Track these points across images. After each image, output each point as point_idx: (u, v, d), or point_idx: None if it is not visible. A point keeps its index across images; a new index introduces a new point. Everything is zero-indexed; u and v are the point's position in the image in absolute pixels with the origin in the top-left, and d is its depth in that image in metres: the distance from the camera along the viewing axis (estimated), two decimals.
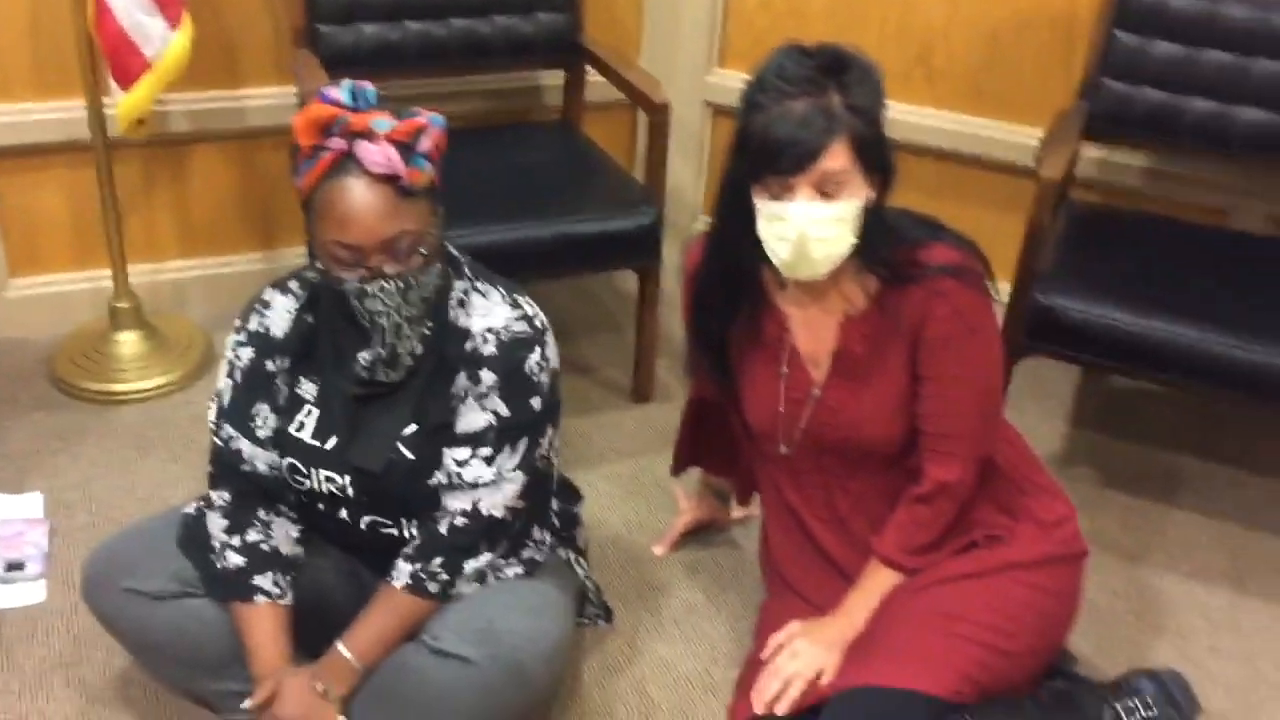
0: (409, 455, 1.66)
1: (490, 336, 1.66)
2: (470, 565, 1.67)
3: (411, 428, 1.67)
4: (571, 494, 1.99)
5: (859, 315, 1.74)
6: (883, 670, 1.63)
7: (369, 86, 1.57)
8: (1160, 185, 2.68)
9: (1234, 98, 2.34)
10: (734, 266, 1.76)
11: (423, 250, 1.57)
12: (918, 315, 1.70)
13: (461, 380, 1.66)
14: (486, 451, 1.66)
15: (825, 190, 1.61)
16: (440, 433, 1.67)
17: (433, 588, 1.65)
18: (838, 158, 1.59)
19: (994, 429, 1.81)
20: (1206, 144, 2.39)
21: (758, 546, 2.06)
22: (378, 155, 1.51)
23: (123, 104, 2.32)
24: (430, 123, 1.56)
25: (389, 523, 1.73)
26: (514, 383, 1.66)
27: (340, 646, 1.63)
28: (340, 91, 1.55)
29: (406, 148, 1.52)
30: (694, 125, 2.99)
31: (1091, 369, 2.48)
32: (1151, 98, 2.39)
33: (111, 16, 2.23)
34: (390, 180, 1.52)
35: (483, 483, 1.66)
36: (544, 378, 1.69)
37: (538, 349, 1.68)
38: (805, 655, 1.72)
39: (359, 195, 1.51)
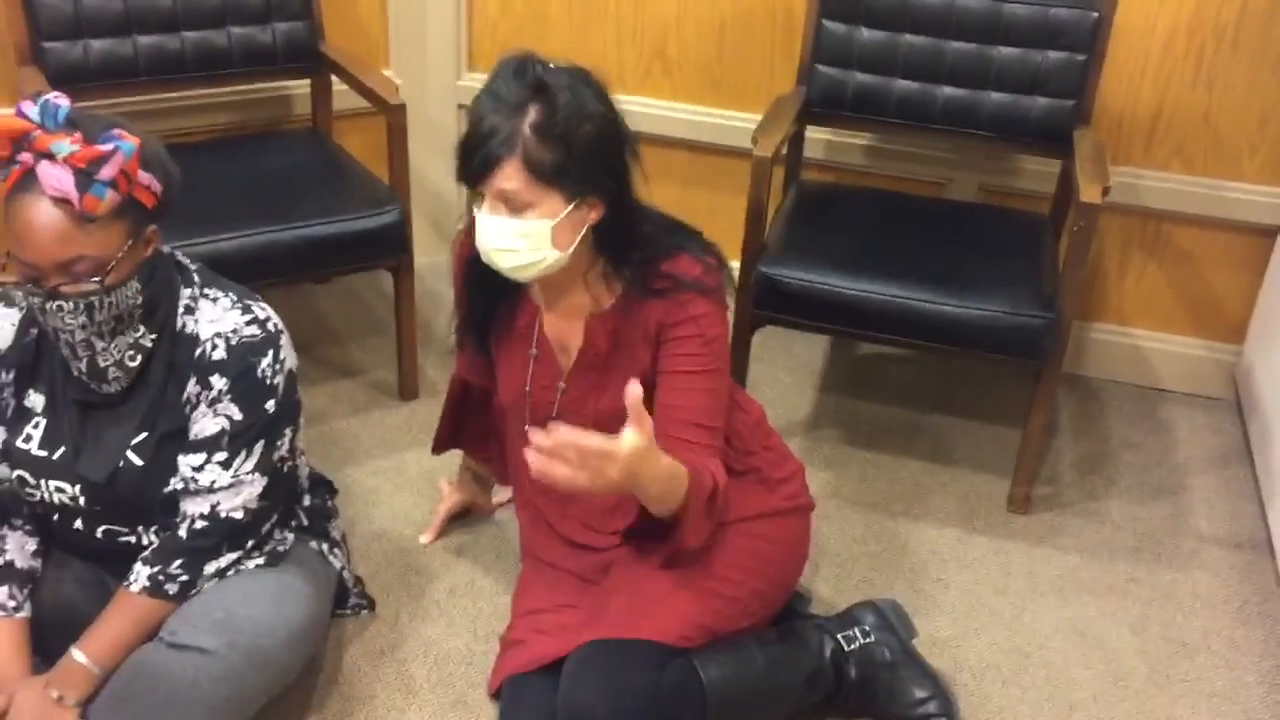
0: (138, 462, 1.68)
1: (220, 342, 1.69)
2: (211, 566, 1.70)
3: (141, 435, 1.69)
4: (325, 488, 2.03)
5: (603, 314, 1.82)
6: (612, 625, 1.73)
7: (64, 104, 1.55)
8: (882, 162, 2.88)
9: (932, 78, 2.54)
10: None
11: (97, 278, 1.56)
12: (660, 322, 1.78)
13: (192, 386, 1.69)
14: (222, 456, 1.69)
15: (511, 206, 1.66)
16: (172, 439, 1.69)
17: (171, 589, 1.68)
18: (511, 179, 1.63)
19: (724, 418, 1.88)
20: (912, 121, 2.58)
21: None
22: (52, 179, 1.50)
23: None
24: (117, 149, 1.53)
25: (125, 531, 1.74)
26: (246, 386, 1.69)
27: (75, 652, 1.65)
28: (33, 107, 1.55)
29: (85, 174, 1.51)
30: (449, 128, 3.06)
31: (822, 334, 2.65)
32: (860, 80, 2.57)
33: None
34: (68, 204, 1.52)
35: (220, 486, 1.69)
36: (278, 380, 1.72)
37: (270, 352, 1.71)
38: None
39: (36, 215, 1.52)
